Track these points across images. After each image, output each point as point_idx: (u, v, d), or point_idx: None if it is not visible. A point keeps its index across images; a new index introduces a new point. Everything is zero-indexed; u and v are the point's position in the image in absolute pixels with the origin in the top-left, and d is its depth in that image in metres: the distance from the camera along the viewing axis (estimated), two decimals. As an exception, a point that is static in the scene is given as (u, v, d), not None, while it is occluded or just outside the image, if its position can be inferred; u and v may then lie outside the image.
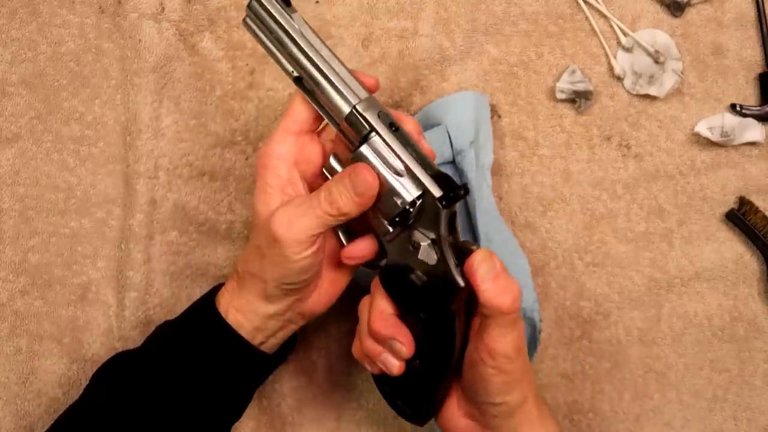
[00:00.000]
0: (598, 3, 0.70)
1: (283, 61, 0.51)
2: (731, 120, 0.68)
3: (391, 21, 0.70)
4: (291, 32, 0.50)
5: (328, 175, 0.52)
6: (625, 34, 0.69)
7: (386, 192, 0.49)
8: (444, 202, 0.47)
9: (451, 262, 0.48)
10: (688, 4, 0.70)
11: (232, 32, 0.70)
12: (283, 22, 0.50)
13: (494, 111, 0.69)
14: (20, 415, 0.67)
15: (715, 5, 0.70)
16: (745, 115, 0.68)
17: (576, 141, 0.69)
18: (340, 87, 0.50)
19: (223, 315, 0.53)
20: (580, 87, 0.68)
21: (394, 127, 0.49)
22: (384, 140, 0.49)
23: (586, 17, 0.70)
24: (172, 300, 0.68)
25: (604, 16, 0.70)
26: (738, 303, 0.67)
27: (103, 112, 0.70)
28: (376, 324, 0.50)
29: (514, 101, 0.69)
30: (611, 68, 0.69)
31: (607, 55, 0.69)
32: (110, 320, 0.67)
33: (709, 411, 0.66)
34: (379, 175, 0.49)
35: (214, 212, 0.68)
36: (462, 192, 0.48)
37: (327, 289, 0.54)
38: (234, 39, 0.70)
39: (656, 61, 0.68)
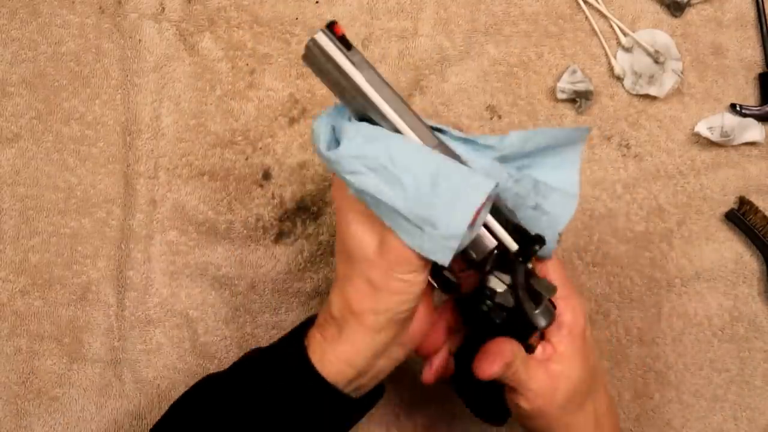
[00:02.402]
0: (598, 3, 0.70)
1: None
2: (731, 120, 0.68)
3: (391, 21, 0.70)
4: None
5: None
6: (625, 34, 0.69)
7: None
8: (521, 258, 0.47)
9: (530, 308, 0.48)
10: (688, 4, 0.70)
11: (232, 32, 0.70)
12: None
13: (494, 111, 0.69)
14: (20, 415, 0.67)
15: (715, 5, 0.70)
16: (745, 115, 0.68)
17: (576, 141, 0.69)
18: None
19: (318, 365, 0.48)
20: (581, 87, 0.68)
21: None
22: None
23: (586, 17, 0.70)
24: (172, 300, 0.68)
25: (604, 16, 0.70)
26: (738, 303, 0.67)
27: (103, 112, 0.70)
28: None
29: (514, 101, 0.69)
30: (611, 68, 0.69)
31: (607, 55, 0.69)
32: (110, 320, 0.68)
33: (709, 411, 0.66)
34: None
35: (213, 212, 0.68)
36: (538, 246, 0.47)
37: (421, 315, 0.51)
38: (234, 39, 0.70)
39: (656, 61, 0.69)
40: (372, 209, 0.46)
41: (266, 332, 0.67)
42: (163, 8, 0.70)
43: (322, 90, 0.69)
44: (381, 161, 0.44)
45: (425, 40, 0.70)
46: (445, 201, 0.43)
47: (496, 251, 0.47)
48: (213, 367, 0.67)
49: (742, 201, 0.67)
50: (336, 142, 0.47)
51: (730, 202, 0.68)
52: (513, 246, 0.47)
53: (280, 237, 0.68)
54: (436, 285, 0.50)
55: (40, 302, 0.68)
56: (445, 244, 0.44)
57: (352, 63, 0.45)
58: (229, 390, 0.51)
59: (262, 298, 0.68)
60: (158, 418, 0.53)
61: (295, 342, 0.50)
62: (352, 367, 0.48)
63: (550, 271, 0.52)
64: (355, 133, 0.45)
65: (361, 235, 0.47)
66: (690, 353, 0.67)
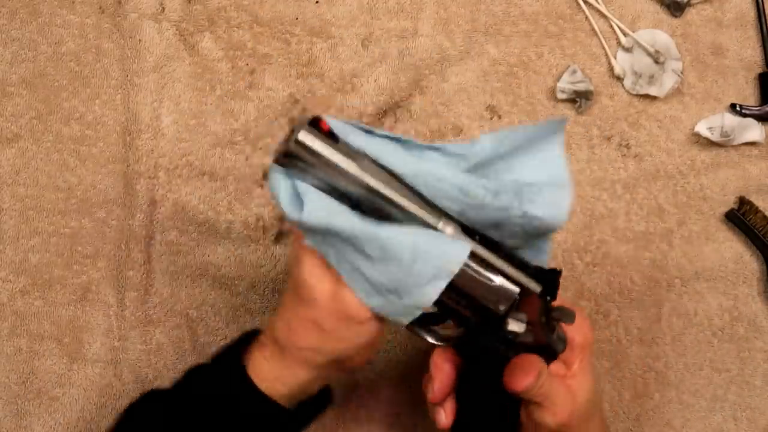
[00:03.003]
0: (598, 3, 0.70)
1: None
2: (731, 120, 0.68)
3: (391, 21, 0.70)
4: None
5: None
6: (625, 34, 0.69)
7: (483, 294, 0.45)
8: (548, 297, 0.46)
9: (552, 338, 0.47)
10: (688, 4, 0.70)
11: (232, 32, 0.70)
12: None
13: (494, 111, 0.69)
14: (20, 415, 0.67)
15: (715, 5, 0.70)
16: (745, 115, 0.68)
17: (576, 141, 0.69)
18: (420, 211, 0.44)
19: (257, 382, 0.49)
20: (581, 87, 0.68)
21: (478, 236, 0.45)
22: (474, 253, 0.45)
23: (586, 17, 0.70)
24: (172, 300, 0.68)
25: (604, 16, 0.70)
26: (738, 303, 0.67)
27: (103, 112, 0.70)
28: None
29: (514, 101, 0.69)
30: (611, 68, 0.69)
31: (607, 55, 0.69)
32: (110, 320, 0.68)
33: (709, 411, 0.66)
34: (475, 279, 0.45)
35: (213, 212, 0.68)
36: (559, 277, 0.46)
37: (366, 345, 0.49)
38: (234, 39, 0.70)
39: (656, 61, 0.69)
40: (331, 262, 0.44)
41: (266, 332, 0.67)
42: (163, 8, 0.70)
43: (322, 90, 0.69)
44: (345, 236, 0.42)
45: (425, 40, 0.70)
46: (416, 278, 0.42)
47: (518, 299, 0.45)
48: (213, 367, 0.67)
49: (742, 201, 0.67)
50: (296, 196, 0.43)
51: (730, 202, 0.68)
52: (536, 288, 0.46)
53: (280, 237, 0.68)
54: (427, 339, 0.49)
55: (40, 302, 0.68)
56: (409, 311, 0.43)
57: (346, 156, 0.42)
58: (171, 406, 0.51)
59: (262, 298, 0.68)
60: None
61: (233, 357, 0.50)
62: (289, 388, 0.49)
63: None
64: (318, 202, 0.42)
65: (315, 281, 0.45)
66: (690, 353, 0.67)
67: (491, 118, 0.69)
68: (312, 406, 0.53)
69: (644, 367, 0.67)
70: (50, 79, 0.70)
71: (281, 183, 0.43)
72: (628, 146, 0.69)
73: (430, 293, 0.43)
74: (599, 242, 0.68)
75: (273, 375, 0.49)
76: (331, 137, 0.42)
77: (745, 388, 0.67)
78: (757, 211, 0.67)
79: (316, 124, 0.42)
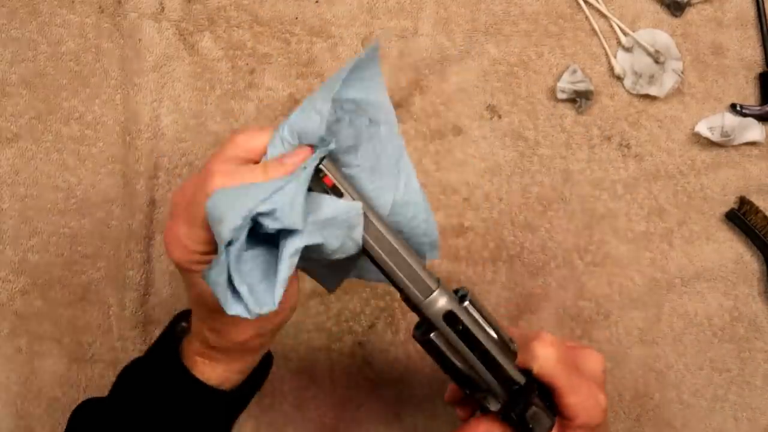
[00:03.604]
0: (598, 3, 0.70)
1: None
2: (731, 120, 0.68)
3: (391, 21, 0.70)
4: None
5: None
6: (625, 34, 0.69)
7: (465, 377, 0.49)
8: (515, 409, 0.48)
9: (524, 426, 0.49)
10: (688, 4, 0.70)
11: (232, 32, 0.70)
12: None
13: (494, 111, 0.69)
14: (20, 415, 0.67)
15: (715, 5, 0.70)
16: (745, 115, 0.68)
17: (576, 141, 0.69)
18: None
19: (208, 381, 0.49)
20: (581, 87, 0.68)
21: (460, 326, 0.47)
22: (447, 337, 0.47)
23: (586, 17, 0.70)
24: (172, 300, 0.68)
25: (604, 15, 0.70)
26: (738, 303, 0.67)
27: (103, 111, 0.70)
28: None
29: (514, 101, 0.69)
30: (611, 68, 0.69)
31: (607, 55, 0.69)
32: (110, 320, 0.68)
33: (709, 411, 0.67)
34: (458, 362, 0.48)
35: (214, 212, 0.68)
36: (530, 394, 0.48)
37: (288, 298, 0.48)
38: (234, 39, 0.70)
39: (656, 61, 0.68)
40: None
41: (266, 332, 0.67)
42: (163, 8, 0.70)
43: (322, 90, 0.69)
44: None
45: (425, 39, 0.70)
46: (340, 245, 0.44)
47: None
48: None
49: (743, 201, 0.67)
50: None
51: (730, 202, 0.68)
52: (497, 407, 0.49)
53: (280, 237, 0.68)
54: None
55: (40, 302, 0.68)
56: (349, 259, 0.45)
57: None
58: (117, 417, 0.50)
59: (262, 298, 0.68)
60: None
61: (175, 363, 0.50)
62: (240, 373, 0.50)
63: (554, 375, 0.49)
64: (261, 294, 0.42)
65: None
66: (690, 353, 0.67)
67: (491, 118, 0.69)
68: (259, 371, 0.53)
69: (644, 367, 0.67)
70: (50, 78, 0.70)
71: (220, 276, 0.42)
72: (628, 146, 0.69)
73: (357, 239, 0.45)
74: (599, 242, 0.68)
75: (225, 374, 0.49)
76: (336, 193, 0.44)
77: (745, 388, 0.67)
78: (757, 211, 0.67)
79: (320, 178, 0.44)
